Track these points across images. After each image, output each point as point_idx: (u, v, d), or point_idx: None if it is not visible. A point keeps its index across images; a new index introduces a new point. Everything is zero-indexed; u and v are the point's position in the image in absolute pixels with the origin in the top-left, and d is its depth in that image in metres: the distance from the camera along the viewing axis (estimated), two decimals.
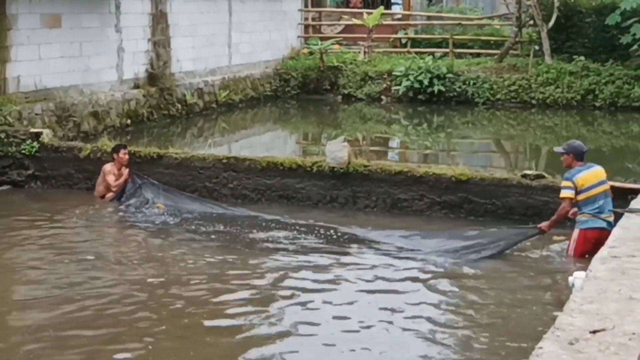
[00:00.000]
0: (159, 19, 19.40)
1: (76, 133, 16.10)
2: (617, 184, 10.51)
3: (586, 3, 23.22)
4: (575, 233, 9.67)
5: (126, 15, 18.38)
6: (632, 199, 9.60)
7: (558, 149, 10.21)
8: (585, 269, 6.85)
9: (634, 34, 20.66)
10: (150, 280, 9.00)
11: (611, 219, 9.48)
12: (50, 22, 16.25)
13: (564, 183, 9.74)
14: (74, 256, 9.81)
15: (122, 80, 18.35)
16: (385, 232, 10.81)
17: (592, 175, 9.70)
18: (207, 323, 7.82)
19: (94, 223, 11.55)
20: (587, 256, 8.90)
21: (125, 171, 12.42)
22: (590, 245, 9.16)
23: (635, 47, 20.81)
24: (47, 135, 13.51)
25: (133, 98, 18.32)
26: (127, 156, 12.48)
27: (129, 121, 17.95)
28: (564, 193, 9.66)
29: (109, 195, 12.45)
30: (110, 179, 12.42)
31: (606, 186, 9.76)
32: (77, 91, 16.82)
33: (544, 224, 9.92)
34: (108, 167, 12.51)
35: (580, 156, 9.83)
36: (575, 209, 9.76)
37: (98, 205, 12.27)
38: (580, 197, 9.61)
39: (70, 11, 16.75)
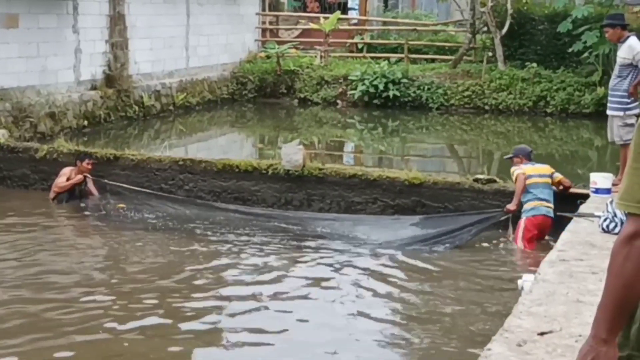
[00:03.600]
0: (116, 21, 19.37)
1: (33, 134, 16.04)
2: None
3: (539, 11, 23.49)
4: (522, 222, 10.32)
5: (84, 16, 18.34)
6: (581, 203, 9.91)
7: (507, 156, 11.22)
8: (534, 271, 7.05)
9: (585, 42, 20.92)
10: (107, 279, 9.09)
11: (551, 207, 10.31)
12: (7, 22, 16.19)
13: (512, 170, 10.72)
14: (28, 256, 9.85)
15: (79, 81, 18.30)
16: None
17: (534, 167, 10.64)
18: (163, 319, 7.90)
19: (50, 223, 11.60)
20: (535, 242, 10.20)
21: (78, 176, 12.34)
22: (536, 231, 10.23)
23: (586, 54, 21.10)
24: (3, 136, 13.52)
25: (90, 99, 18.28)
26: (89, 167, 12.40)
27: (85, 122, 17.89)
28: (515, 174, 10.55)
29: (52, 194, 12.38)
30: (61, 180, 12.34)
31: (547, 179, 10.53)
32: (34, 92, 16.76)
33: (509, 205, 10.52)
34: (67, 170, 12.45)
35: (527, 156, 10.86)
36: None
37: (54, 206, 12.28)
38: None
39: (28, 11, 16.70)
